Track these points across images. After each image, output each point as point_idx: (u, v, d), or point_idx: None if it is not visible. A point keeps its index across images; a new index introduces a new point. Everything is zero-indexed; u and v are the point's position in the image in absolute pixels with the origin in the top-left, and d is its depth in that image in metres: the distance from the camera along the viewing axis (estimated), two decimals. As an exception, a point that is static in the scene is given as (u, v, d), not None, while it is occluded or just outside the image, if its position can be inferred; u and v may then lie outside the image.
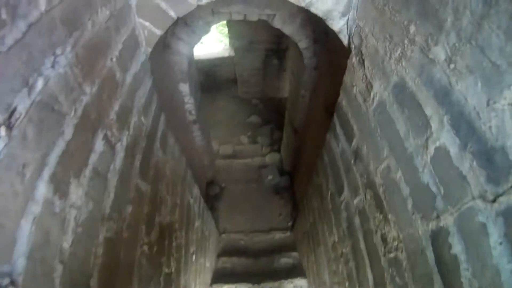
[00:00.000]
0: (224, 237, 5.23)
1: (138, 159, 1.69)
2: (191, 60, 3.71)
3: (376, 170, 1.51)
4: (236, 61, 7.63)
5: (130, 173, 1.57)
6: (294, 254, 4.68)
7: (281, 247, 5.03)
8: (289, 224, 5.37)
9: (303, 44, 3.33)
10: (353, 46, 1.84)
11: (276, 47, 7.19)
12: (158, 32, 1.89)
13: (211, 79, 8.83)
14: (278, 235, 5.23)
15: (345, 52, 1.97)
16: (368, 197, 1.64)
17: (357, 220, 1.87)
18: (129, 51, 1.65)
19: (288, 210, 5.57)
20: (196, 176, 4.38)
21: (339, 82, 2.07)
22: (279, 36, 6.96)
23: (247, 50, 7.26)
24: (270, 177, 5.85)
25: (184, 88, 3.54)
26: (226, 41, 8.71)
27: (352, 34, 1.86)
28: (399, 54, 1.25)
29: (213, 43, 9.79)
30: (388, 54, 1.35)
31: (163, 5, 1.80)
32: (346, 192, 2.00)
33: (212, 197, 5.68)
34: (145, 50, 1.90)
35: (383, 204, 1.48)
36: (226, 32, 8.25)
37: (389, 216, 1.44)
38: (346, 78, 1.95)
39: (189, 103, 3.76)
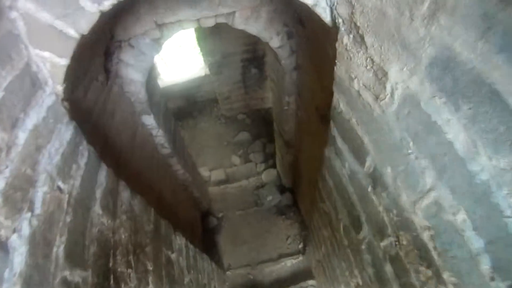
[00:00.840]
0: (229, 274, 4.65)
1: (61, 242, 1.15)
2: (153, 87, 3.19)
3: (414, 205, 0.97)
4: (213, 79, 7.11)
5: (46, 268, 1.04)
6: (311, 282, 4.13)
7: (296, 276, 4.47)
8: (300, 246, 4.81)
9: (275, 42, 2.81)
10: (340, 21, 1.28)
11: (252, 55, 6.69)
12: (63, 62, 1.38)
13: (191, 102, 8.32)
14: (290, 262, 4.66)
15: (332, 35, 1.44)
16: (404, 242, 1.10)
17: (389, 268, 1.32)
18: (18, 98, 1.13)
19: (296, 231, 5.01)
20: (182, 217, 3.86)
21: (329, 79, 1.56)
22: (253, 43, 6.49)
23: (222, 65, 6.75)
24: (269, 197, 5.31)
25: (149, 120, 3.01)
26: (201, 59, 8.25)
27: (335, 3, 1.32)
28: (431, 3, 0.72)
29: (187, 64, 9.34)
30: (408, 12, 0.79)
31: (58, 24, 1.29)
32: (366, 230, 1.46)
33: (209, 231, 5.11)
34: (53, 89, 1.37)
35: (432, 256, 0.94)
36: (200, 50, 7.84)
37: (445, 276, 0.90)
38: (339, 69, 1.41)
39: (159, 136, 3.24)
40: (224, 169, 6.42)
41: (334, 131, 1.65)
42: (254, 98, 7.69)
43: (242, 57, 6.68)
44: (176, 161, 3.73)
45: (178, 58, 10.64)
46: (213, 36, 6.18)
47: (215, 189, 6.05)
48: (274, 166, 6.25)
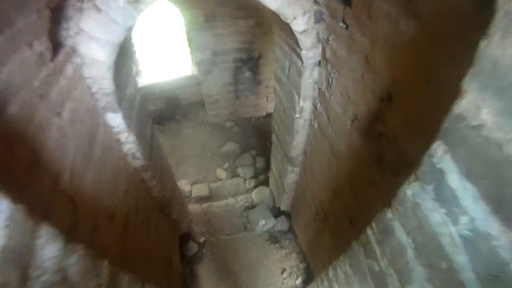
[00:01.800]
0: (211, 316, 3.86)
1: None
2: (125, 75, 2.41)
3: None
4: (201, 79, 6.34)
5: None
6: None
7: (293, 321, 3.71)
8: (298, 282, 4.03)
9: (299, 24, 2.07)
10: None
11: (247, 56, 5.99)
12: None
13: (174, 105, 7.52)
14: (285, 303, 3.89)
15: None
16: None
17: None
18: None
19: (293, 263, 4.22)
20: (156, 249, 3.07)
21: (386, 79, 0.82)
22: (249, 42, 5.77)
23: (212, 64, 6.00)
24: (261, 221, 4.51)
25: (116, 120, 2.22)
26: (188, 57, 7.47)
27: None
28: None
29: (172, 61, 8.55)
30: None
31: None
32: None
33: (189, 259, 4.27)
34: None
35: None
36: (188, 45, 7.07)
37: None
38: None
39: (130, 143, 2.46)
40: (207, 184, 5.60)
41: (444, 157, 0.91)
42: (245, 104, 6.95)
43: (235, 57, 5.95)
44: (151, 175, 2.92)
45: (162, 53, 9.85)
46: (206, 30, 5.44)
47: (196, 207, 5.23)
48: (265, 183, 5.49)
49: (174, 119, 7.36)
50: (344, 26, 1.87)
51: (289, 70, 2.72)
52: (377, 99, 1.61)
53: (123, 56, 2.25)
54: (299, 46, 2.24)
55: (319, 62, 2.32)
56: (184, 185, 5.60)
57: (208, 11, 5.28)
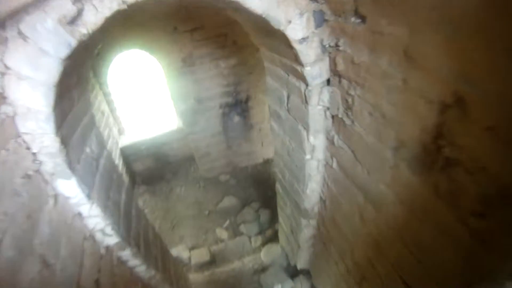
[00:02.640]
0: None
1: None
2: (81, 126, 1.88)
3: None
4: (187, 131, 5.83)
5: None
6: None
7: None
8: None
9: (295, 30, 1.56)
10: None
11: (234, 99, 5.51)
12: None
13: (163, 162, 6.96)
14: None
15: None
16: None
17: None
18: None
19: (320, 334, 3.57)
20: None
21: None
22: (234, 83, 5.33)
23: (197, 113, 5.52)
24: (278, 286, 3.85)
25: (70, 188, 1.69)
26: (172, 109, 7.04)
27: None
28: None
29: (156, 116, 8.13)
30: None
31: None
32: None
33: None
34: None
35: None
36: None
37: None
38: None
39: (94, 217, 1.89)
40: (208, 247, 4.94)
41: None
42: (239, 153, 6.39)
43: (221, 102, 5.48)
44: (131, 253, 2.34)
45: (145, 108, 9.45)
46: (185, 75, 5.02)
47: (197, 276, 4.54)
48: (274, 239, 4.86)
49: (164, 178, 6.77)
50: (359, 20, 1.38)
51: (288, 100, 2.20)
52: (435, 109, 1.09)
53: (71, 99, 1.75)
54: (299, 63, 1.72)
55: (328, 80, 1.80)
56: (181, 251, 4.94)
57: (186, 54, 4.87)
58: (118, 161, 5.95)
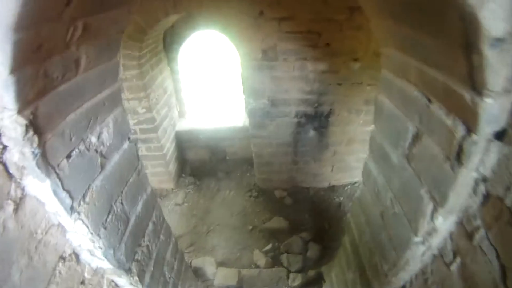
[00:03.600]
0: None
1: None
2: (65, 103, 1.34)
3: None
4: (251, 132, 5.25)
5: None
6: None
7: None
8: None
9: (497, 20, 0.87)
10: None
11: (313, 111, 4.85)
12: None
13: (219, 158, 6.54)
14: None
15: None
16: None
17: None
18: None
19: None
20: None
21: None
22: (318, 93, 4.66)
23: (267, 116, 4.94)
24: None
25: (44, 193, 1.19)
26: (242, 103, 6.54)
27: None
28: None
29: (224, 107, 7.70)
30: None
31: None
32: None
33: None
34: None
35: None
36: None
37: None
38: None
39: (79, 233, 1.36)
40: (238, 270, 4.38)
41: None
42: (304, 172, 5.70)
43: (298, 111, 4.85)
44: (127, 282, 1.78)
45: (213, 95, 9.06)
46: (263, 70, 4.44)
47: (217, 302, 4.02)
48: (316, 284, 4.20)
49: (216, 176, 6.29)
50: None
51: (414, 142, 1.43)
52: None
53: (68, 59, 1.22)
54: (475, 85, 0.95)
55: (502, 132, 1.05)
56: (207, 264, 4.40)
57: (269, 45, 4.29)
58: (167, 144, 5.61)
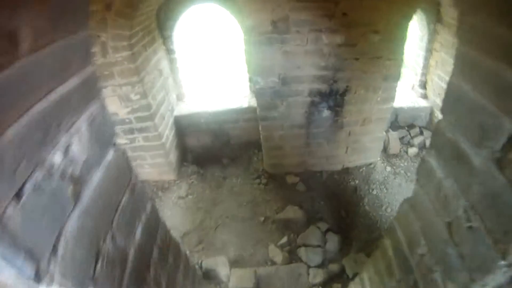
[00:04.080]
0: None
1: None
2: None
3: None
4: (260, 115, 4.79)
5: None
6: None
7: None
8: None
9: None
10: None
11: (328, 88, 4.41)
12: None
13: (223, 142, 6.09)
14: None
15: None
16: None
17: None
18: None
19: None
20: None
21: None
22: (334, 68, 4.17)
23: (278, 95, 4.47)
24: None
25: None
26: (246, 82, 6.08)
27: None
28: None
29: (225, 87, 7.24)
30: None
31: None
32: None
33: None
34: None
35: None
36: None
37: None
38: None
39: None
40: (254, 271, 4.03)
41: None
42: (317, 155, 5.29)
43: (312, 88, 4.38)
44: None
45: (213, 75, 8.56)
46: (273, 44, 3.92)
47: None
48: (339, 280, 3.87)
49: (220, 162, 5.88)
50: None
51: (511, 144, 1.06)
52: None
53: None
54: None
55: None
56: (220, 265, 4.01)
57: (280, 16, 3.78)
58: (166, 131, 5.22)
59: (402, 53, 4.28)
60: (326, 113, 4.64)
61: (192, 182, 5.58)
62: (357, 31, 3.94)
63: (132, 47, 4.07)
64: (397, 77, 4.51)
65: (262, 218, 4.84)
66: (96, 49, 4.11)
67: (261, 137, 5.08)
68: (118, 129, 4.94)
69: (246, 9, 3.78)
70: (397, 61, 4.34)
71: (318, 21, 3.82)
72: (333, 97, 4.48)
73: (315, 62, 4.13)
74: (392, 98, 4.72)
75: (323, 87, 4.36)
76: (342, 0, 3.68)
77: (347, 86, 4.39)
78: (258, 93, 4.44)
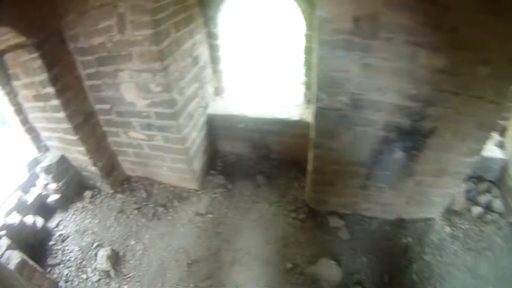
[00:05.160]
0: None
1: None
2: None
3: None
4: (315, 140, 3.83)
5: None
6: None
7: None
8: None
9: None
10: None
11: (410, 124, 3.43)
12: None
13: (260, 155, 5.25)
14: None
15: None
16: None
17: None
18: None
19: None
20: None
21: None
22: (424, 100, 3.14)
23: (344, 120, 3.50)
24: None
25: None
26: (301, 90, 5.17)
27: None
28: None
29: (276, 92, 6.34)
30: None
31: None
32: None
33: None
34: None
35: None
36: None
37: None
38: None
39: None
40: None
41: None
42: (372, 199, 4.34)
43: (390, 121, 3.38)
44: None
45: (263, 74, 7.57)
46: (350, 50, 2.98)
47: None
48: None
49: (254, 179, 5.02)
50: None
51: None
52: None
53: None
54: None
55: None
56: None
57: (367, 11, 2.79)
58: (193, 134, 4.50)
59: (509, 98, 3.31)
60: (398, 155, 3.71)
61: (216, 197, 4.79)
62: (465, 56, 2.93)
63: (156, 25, 3.35)
64: (493, 126, 3.52)
65: (290, 265, 3.97)
66: (111, 21, 3.40)
67: (310, 166, 4.20)
68: (135, 122, 4.28)
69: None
70: (500, 106, 3.33)
71: (419, 31, 2.87)
72: (413, 137, 3.54)
73: (403, 87, 3.17)
74: (479, 151, 3.71)
75: (405, 122, 3.42)
76: (455, 6, 2.73)
77: (434, 127, 3.45)
78: (318, 112, 3.53)
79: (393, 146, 3.64)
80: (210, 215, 4.59)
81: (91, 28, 3.73)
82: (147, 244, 4.38)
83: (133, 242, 4.44)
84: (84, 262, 4.28)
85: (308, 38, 4.05)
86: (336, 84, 3.26)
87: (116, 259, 4.22)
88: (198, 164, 4.79)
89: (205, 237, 4.33)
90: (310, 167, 4.15)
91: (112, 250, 4.25)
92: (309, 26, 3.90)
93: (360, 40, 2.97)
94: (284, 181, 5.03)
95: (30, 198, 4.79)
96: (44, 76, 3.82)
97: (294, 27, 7.63)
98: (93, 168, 4.80)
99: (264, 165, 5.23)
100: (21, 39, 3.59)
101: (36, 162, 4.95)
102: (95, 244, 4.47)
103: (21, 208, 4.58)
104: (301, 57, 4.45)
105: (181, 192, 4.92)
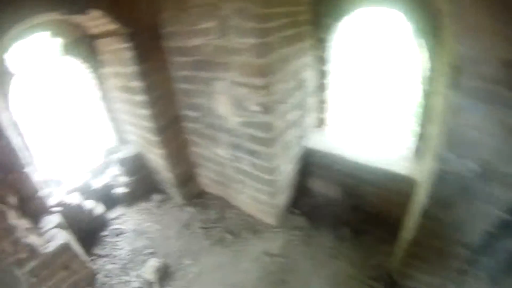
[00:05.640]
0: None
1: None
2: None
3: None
4: (427, 205, 3.14)
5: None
6: None
7: None
8: None
9: None
10: None
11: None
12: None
13: (351, 204, 4.69)
14: None
15: None
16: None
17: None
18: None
19: None
20: None
21: None
22: None
23: (466, 191, 2.80)
24: None
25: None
26: (412, 140, 4.44)
27: None
28: None
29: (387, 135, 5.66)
30: None
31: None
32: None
33: None
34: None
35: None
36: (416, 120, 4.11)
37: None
38: None
39: None
40: None
41: None
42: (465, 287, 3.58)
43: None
44: None
45: (372, 110, 6.88)
46: (492, 104, 2.33)
47: None
48: None
49: (338, 230, 4.49)
50: None
51: None
52: None
53: None
54: None
55: None
56: None
57: None
58: (284, 166, 4.07)
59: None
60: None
61: (293, 240, 4.35)
62: None
63: (262, 34, 3.00)
64: None
65: None
66: (212, 23, 3.17)
67: (408, 234, 3.55)
68: (223, 138, 4.01)
69: (458, 27, 2.29)
70: None
71: None
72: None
73: None
74: None
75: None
76: None
77: None
78: (439, 176, 2.87)
79: (508, 239, 2.89)
80: (281, 259, 4.14)
81: (190, 27, 3.55)
82: (202, 269, 4.06)
83: (188, 262, 4.16)
84: (130, 264, 4.13)
85: (430, 80, 3.45)
86: (468, 145, 2.61)
87: (164, 273, 4.00)
88: (282, 199, 4.43)
89: (268, 282, 3.87)
90: (408, 236, 3.48)
91: (164, 263, 3.92)
92: (433, 67, 3.32)
93: (508, 93, 2.29)
94: (371, 241, 4.38)
95: (97, 183, 4.69)
96: (134, 68, 3.74)
97: (413, 65, 6.93)
98: (168, 174, 4.58)
99: (352, 215, 4.66)
100: (114, 26, 3.45)
101: (112, 151, 4.86)
102: (149, 250, 4.23)
103: (85, 191, 4.49)
104: (417, 102, 3.87)
105: (255, 224, 4.57)
